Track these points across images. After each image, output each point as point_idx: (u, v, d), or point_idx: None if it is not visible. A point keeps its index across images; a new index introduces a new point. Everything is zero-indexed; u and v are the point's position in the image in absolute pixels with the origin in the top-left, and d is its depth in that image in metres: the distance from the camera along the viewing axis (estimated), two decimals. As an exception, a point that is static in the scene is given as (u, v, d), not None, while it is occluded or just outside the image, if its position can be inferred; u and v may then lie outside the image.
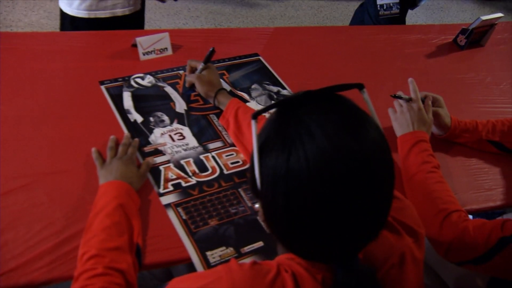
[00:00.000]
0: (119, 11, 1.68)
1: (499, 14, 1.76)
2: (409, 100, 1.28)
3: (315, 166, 0.60)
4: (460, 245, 1.04)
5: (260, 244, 1.02)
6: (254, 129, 0.65)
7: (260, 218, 0.72)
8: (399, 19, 2.30)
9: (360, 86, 0.71)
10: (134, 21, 1.78)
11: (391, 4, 2.20)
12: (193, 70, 1.37)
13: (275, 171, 0.63)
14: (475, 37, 1.81)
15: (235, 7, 3.67)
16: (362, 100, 0.72)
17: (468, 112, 1.52)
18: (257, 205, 0.72)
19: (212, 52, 1.32)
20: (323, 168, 0.60)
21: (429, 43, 1.83)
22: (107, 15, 1.66)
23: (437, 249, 1.09)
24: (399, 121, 1.28)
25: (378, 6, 2.24)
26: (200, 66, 1.33)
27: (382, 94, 1.36)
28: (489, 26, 1.80)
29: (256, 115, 0.66)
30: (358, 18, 2.69)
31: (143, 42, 1.41)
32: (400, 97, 1.30)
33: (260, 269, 0.68)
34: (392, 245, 0.76)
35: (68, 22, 1.68)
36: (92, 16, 1.64)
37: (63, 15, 1.69)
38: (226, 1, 3.71)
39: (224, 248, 1.00)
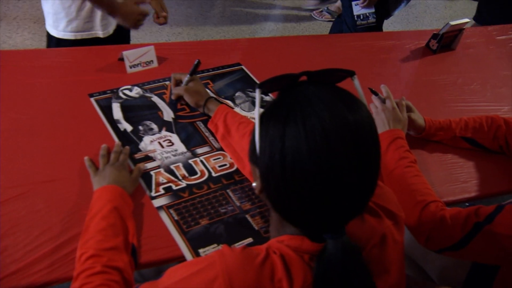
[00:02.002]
0: (103, 32, 1.74)
1: (466, 20, 1.86)
2: (384, 101, 1.36)
3: (312, 133, 0.65)
4: (439, 233, 1.10)
5: (249, 240, 1.07)
6: (257, 97, 0.72)
7: (256, 191, 0.76)
8: (376, 28, 2.39)
9: (351, 73, 0.78)
10: (120, 39, 1.83)
11: (368, 14, 2.29)
12: (177, 82, 1.43)
13: (274, 133, 0.68)
14: (446, 41, 1.90)
15: (216, 22, 3.74)
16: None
17: (442, 111, 1.60)
18: (254, 184, 0.77)
19: (198, 64, 1.38)
20: (320, 133, 0.65)
21: (403, 48, 1.92)
22: (92, 36, 1.72)
23: (417, 239, 1.15)
24: (376, 121, 1.35)
25: (355, 16, 2.32)
26: (185, 78, 1.39)
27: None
28: (458, 30, 1.89)
29: (261, 85, 0.74)
30: (336, 29, 2.78)
31: (129, 55, 1.47)
32: (376, 93, 1.38)
33: (250, 252, 0.73)
34: (374, 227, 0.81)
35: (54, 44, 1.72)
36: (78, 37, 1.69)
37: (49, 37, 1.73)
38: (207, 17, 3.79)
39: (215, 245, 1.05)
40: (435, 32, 1.88)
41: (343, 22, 2.49)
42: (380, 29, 2.53)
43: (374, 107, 1.38)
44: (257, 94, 0.73)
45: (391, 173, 1.24)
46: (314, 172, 0.66)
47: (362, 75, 1.70)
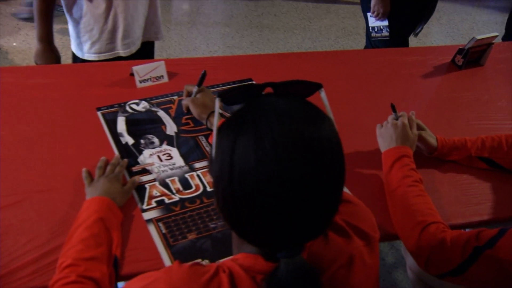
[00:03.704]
0: (124, 52, 1.78)
1: (495, 34, 1.77)
2: (397, 117, 1.31)
3: (262, 144, 0.62)
4: (438, 256, 1.04)
5: (235, 256, 1.04)
6: (216, 106, 0.70)
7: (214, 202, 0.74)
8: (400, 43, 2.32)
9: (319, 86, 0.74)
10: (144, 58, 1.87)
11: (382, 27, 2.24)
12: (189, 94, 1.44)
13: (226, 143, 0.66)
14: (473, 56, 1.82)
15: (253, 41, 3.78)
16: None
17: (463, 128, 1.52)
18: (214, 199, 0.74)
19: (204, 75, 1.39)
20: (270, 147, 0.62)
21: (427, 64, 1.85)
22: (115, 56, 1.77)
23: (417, 262, 1.09)
24: (383, 136, 1.31)
25: (370, 28, 2.28)
26: (194, 89, 1.40)
27: (376, 113, 1.38)
28: (487, 45, 1.80)
29: (221, 95, 0.71)
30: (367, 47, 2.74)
31: (140, 70, 1.50)
32: (394, 110, 1.34)
33: (198, 269, 0.71)
34: (341, 248, 0.77)
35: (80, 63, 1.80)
36: (102, 58, 1.75)
37: (75, 57, 1.81)
38: (243, 35, 3.83)
39: (199, 260, 1.03)
40: (460, 47, 1.80)
41: (367, 36, 2.45)
42: (406, 45, 2.46)
43: (386, 122, 1.33)
44: (216, 104, 0.71)
45: (393, 192, 1.18)
46: (262, 185, 0.62)
47: (382, 91, 1.67)
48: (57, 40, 3.29)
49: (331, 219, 0.69)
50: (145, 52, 1.90)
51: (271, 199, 0.62)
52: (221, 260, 0.84)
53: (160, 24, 1.92)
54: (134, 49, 1.81)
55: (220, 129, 0.69)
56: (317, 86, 0.74)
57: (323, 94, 0.75)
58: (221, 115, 1.42)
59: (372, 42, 2.39)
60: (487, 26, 4.46)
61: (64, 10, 1.69)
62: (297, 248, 0.68)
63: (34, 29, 1.70)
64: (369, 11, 2.30)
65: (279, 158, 0.62)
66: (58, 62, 1.75)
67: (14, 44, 3.34)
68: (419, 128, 1.34)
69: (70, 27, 1.74)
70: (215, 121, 0.70)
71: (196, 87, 1.40)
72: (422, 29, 2.53)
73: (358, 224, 0.81)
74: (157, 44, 3.42)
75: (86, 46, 1.73)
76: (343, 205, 0.82)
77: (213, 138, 0.70)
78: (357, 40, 3.96)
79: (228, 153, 0.65)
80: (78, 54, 1.77)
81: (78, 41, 1.74)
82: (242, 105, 0.72)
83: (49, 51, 1.72)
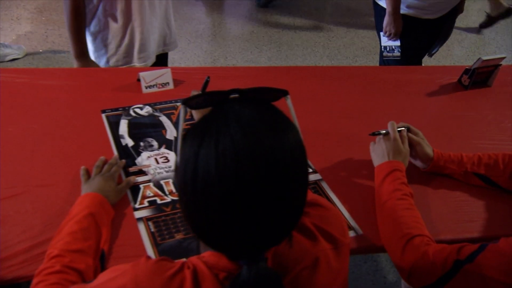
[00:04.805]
0: (140, 65, 1.84)
1: (502, 55, 1.76)
2: (386, 134, 1.32)
3: (223, 155, 0.62)
4: (420, 269, 1.04)
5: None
6: (182, 113, 0.71)
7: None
8: (404, 62, 2.32)
9: (285, 93, 0.75)
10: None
11: (393, 47, 2.25)
12: None
13: (189, 151, 0.66)
14: (480, 77, 1.82)
15: (271, 56, 3.83)
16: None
17: (463, 147, 1.50)
18: None
19: (207, 81, 1.43)
20: (232, 158, 0.62)
21: (433, 83, 1.85)
22: (132, 67, 1.83)
23: (401, 274, 1.09)
24: (376, 151, 1.32)
25: (382, 47, 2.29)
26: None
27: (378, 128, 1.38)
28: (494, 66, 1.80)
29: (185, 101, 0.72)
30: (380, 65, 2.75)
31: (146, 76, 1.55)
32: (378, 133, 1.34)
33: (164, 264, 0.73)
34: (306, 250, 0.78)
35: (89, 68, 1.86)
36: None
37: None
38: (262, 51, 3.89)
39: (184, 259, 1.06)
40: (467, 67, 1.81)
41: (380, 56, 2.46)
42: (419, 65, 2.47)
43: (378, 138, 1.34)
44: (181, 111, 0.72)
45: (383, 205, 1.19)
46: (223, 197, 0.63)
47: (386, 107, 1.69)
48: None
49: (292, 228, 0.71)
50: (159, 63, 1.95)
51: (232, 210, 0.64)
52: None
53: (174, 34, 1.98)
54: (150, 62, 1.87)
55: (185, 136, 0.70)
56: (283, 93, 0.75)
57: (288, 101, 0.76)
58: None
59: (384, 61, 2.40)
60: (510, 50, 4.41)
61: None
62: (258, 255, 0.70)
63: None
64: (382, 31, 2.32)
65: (239, 172, 0.62)
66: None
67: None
68: (418, 137, 1.34)
69: (89, 42, 1.80)
70: (180, 128, 0.71)
71: (200, 92, 1.45)
72: (438, 50, 2.52)
73: (326, 228, 0.82)
74: (176, 56, 3.52)
75: (104, 60, 1.80)
76: (315, 209, 0.84)
77: (178, 145, 0.70)
78: (375, 59, 3.96)
79: (191, 164, 0.65)
80: None
81: (95, 55, 1.81)
82: (208, 112, 0.72)
83: (88, 66, 1.74)
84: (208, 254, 0.74)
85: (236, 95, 0.71)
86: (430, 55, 2.52)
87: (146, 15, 1.74)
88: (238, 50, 3.85)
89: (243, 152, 0.63)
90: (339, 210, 1.23)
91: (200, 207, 0.66)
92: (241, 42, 4.00)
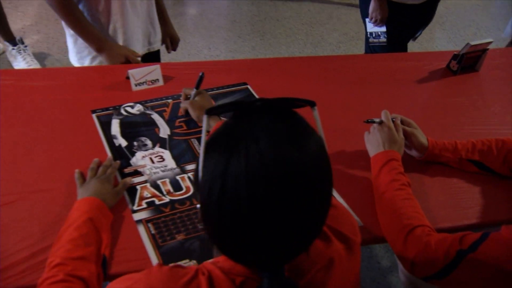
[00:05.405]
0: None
1: (489, 40, 1.77)
2: (380, 122, 1.32)
3: (253, 169, 0.61)
4: (423, 259, 1.04)
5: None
6: (205, 123, 0.67)
7: (198, 217, 0.75)
8: (398, 48, 2.33)
9: (312, 104, 0.73)
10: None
11: (379, 33, 2.25)
12: (187, 97, 1.46)
13: (215, 167, 0.64)
14: (468, 62, 1.83)
15: (254, 45, 3.80)
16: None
17: (456, 133, 1.52)
18: (198, 205, 0.73)
19: (202, 77, 1.41)
20: (261, 173, 0.61)
21: (422, 69, 1.85)
22: None
23: (403, 265, 1.10)
24: (371, 142, 1.32)
25: (368, 33, 2.29)
26: (192, 92, 1.42)
27: (370, 117, 1.38)
28: (481, 51, 1.81)
29: (209, 111, 0.68)
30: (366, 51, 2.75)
31: (135, 74, 1.52)
32: (372, 121, 1.34)
33: (178, 271, 0.72)
34: (320, 251, 0.78)
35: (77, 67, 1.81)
36: None
37: None
38: (245, 40, 3.86)
39: (187, 260, 1.05)
40: (455, 53, 1.81)
41: (366, 41, 2.46)
42: (404, 51, 2.47)
43: (372, 127, 1.34)
44: (204, 120, 0.68)
45: (381, 196, 1.19)
46: (252, 214, 0.62)
47: (377, 96, 1.69)
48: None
49: (315, 238, 0.71)
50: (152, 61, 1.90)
51: (261, 228, 0.63)
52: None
53: (158, 33, 1.93)
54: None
55: (207, 150, 0.67)
56: (310, 104, 0.73)
57: (315, 112, 0.73)
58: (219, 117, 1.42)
59: (370, 47, 2.40)
60: (490, 31, 4.45)
61: (63, 24, 1.70)
62: (280, 269, 0.69)
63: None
64: (367, 17, 2.32)
65: (270, 191, 0.61)
66: (128, 52, 1.72)
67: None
68: (411, 126, 1.35)
69: (69, 43, 1.76)
70: (203, 139, 0.67)
71: (194, 89, 1.43)
72: (420, 34, 2.54)
73: (338, 228, 0.82)
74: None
75: (87, 61, 1.75)
76: None
77: (200, 155, 0.67)
78: (359, 45, 3.97)
79: (218, 183, 0.63)
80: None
81: (79, 56, 1.76)
82: (230, 123, 0.70)
83: (113, 50, 1.68)
84: (223, 259, 0.73)
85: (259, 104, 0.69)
86: (414, 39, 2.53)
87: (129, 16, 1.70)
88: (221, 41, 3.82)
89: (274, 171, 0.62)
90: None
91: (227, 224, 0.65)
92: (223, 32, 3.96)
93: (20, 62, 3.12)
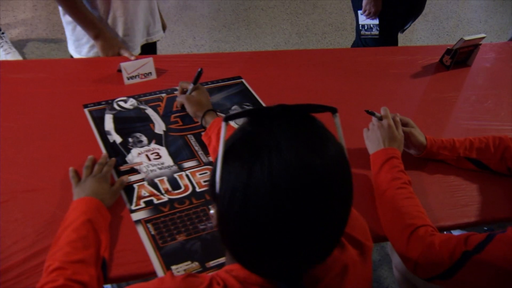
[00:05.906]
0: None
1: (482, 35, 1.78)
2: (380, 118, 1.31)
3: (278, 179, 0.60)
4: (426, 260, 1.04)
5: (225, 259, 1.04)
6: (223, 131, 0.65)
7: (213, 223, 0.73)
8: (389, 41, 2.32)
9: (333, 110, 0.71)
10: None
11: (372, 26, 2.23)
12: (184, 91, 1.42)
13: (237, 178, 0.62)
14: (461, 57, 1.83)
15: (240, 35, 3.75)
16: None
17: (451, 129, 1.53)
18: (212, 211, 0.72)
19: (200, 72, 1.37)
20: (286, 182, 0.60)
21: (415, 63, 1.85)
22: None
23: (406, 265, 1.09)
24: (370, 139, 1.31)
25: (360, 26, 2.27)
26: (190, 87, 1.38)
27: (364, 112, 1.37)
28: (474, 46, 1.81)
29: (227, 118, 0.66)
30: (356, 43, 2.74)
31: (127, 67, 1.47)
32: (373, 114, 1.33)
33: (192, 281, 0.70)
34: (335, 258, 0.77)
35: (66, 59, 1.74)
36: None
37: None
38: (230, 29, 3.80)
39: (189, 262, 1.03)
40: (449, 48, 1.81)
41: (357, 34, 2.45)
42: (395, 43, 2.47)
43: (371, 124, 1.33)
44: (222, 128, 0.65)
45: (382, 194, 1.18)
46: (272, 223, 0.61)
47: (370, 91, 1.67)
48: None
49: (335, 246, 0.70)
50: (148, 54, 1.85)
51: (284, 240, 0.62)
52: (212, 266, 0.83)
53: (158, 23, 1.88)
54: (135, 53, 1.76)
55: (226, 159, 0.65)
56: (332, 110, 0.71)
57: (337, 119, 0.71)
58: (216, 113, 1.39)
59: (362, 40, 2.39)
60: (471, 24, 4.49)
61: (60, 13, 1.64)
62: (298, 279, 0.69)
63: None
64: (360, 9, 2.30)
65: (295, 202, 0.60)
66: (124, 48, 1.67)
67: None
68: (409, 125, 1.34)
69: (68, 30, 1.69)
70: (221, 148, 0.65)
71: (192, 84, 1.38)
72: (410, 25, 2.54)
73: (352, 233, 0.81)
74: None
75: (85, 50, 1.69)
76: None
77: (218, 164, 0.65)
78: (344, 35, 3.96)
79: (240, 194, 0.62)
80: (76, 56, 1.73)
81: (76, 44, 1.70)
82: (249, 130, 0.67)
83: (109, 40, 1.63)
84: (237, 268, 0.71)
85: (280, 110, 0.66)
86: (402, 31, 2.53)
87: (129, 4, 1.65)
88: (206, 30, 3.75)
89: (300, 180, 0.60)
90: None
91: (248, 234, 0.63)
92: (208, 21, 3.89)
93: None
